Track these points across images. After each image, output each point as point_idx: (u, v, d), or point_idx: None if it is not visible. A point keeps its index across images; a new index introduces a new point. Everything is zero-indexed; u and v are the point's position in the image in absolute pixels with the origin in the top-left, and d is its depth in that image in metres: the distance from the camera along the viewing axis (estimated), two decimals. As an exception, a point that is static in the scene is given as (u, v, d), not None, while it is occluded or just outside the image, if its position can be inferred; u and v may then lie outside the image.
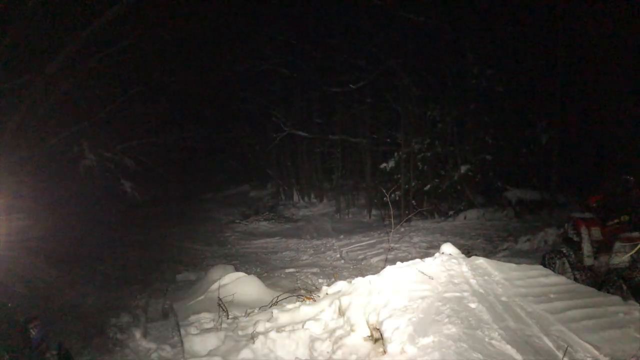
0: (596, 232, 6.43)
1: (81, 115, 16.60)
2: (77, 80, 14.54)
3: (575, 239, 6.67)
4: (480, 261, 5.25)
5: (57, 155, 16.29)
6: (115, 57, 15.15)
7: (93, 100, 16.77)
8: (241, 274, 8.26)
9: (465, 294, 4.43)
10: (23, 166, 13.74)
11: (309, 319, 5.00)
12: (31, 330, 3.49)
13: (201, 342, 4.78)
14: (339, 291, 5.48)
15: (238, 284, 7.47)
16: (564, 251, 6.79)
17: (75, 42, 12.12)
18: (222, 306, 6.40)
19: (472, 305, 4.22)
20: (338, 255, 13.63)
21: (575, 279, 6.21)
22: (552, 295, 4.56)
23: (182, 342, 5.38)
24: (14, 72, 12.23)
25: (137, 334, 6.22)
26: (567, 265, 6.62)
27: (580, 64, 15.03)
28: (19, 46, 11.77)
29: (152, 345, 6.04)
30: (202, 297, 7.63)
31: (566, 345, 3.72)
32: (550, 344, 3.78)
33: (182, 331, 5.77)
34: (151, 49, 16.65)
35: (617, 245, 6.01)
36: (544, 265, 6.48)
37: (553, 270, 6.09)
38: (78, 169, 17.47)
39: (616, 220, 6.25)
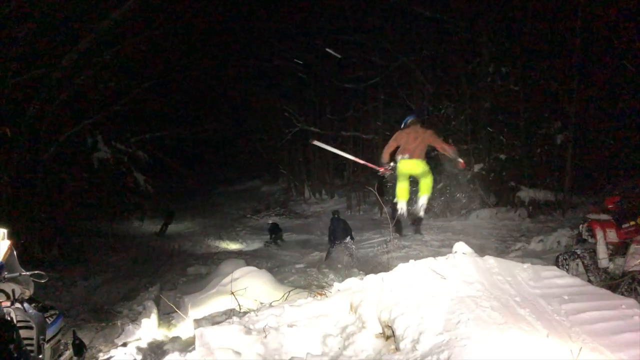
0: (612, 234, 6.35)
1: (96, 108, 16.78)
2: (92, 73, 14.69)
3: (590, 240, 6.60)
4: (493, 261, 5.20)
5: (72, 147, 16.49)
6: (130, 51, 15.28)
7: (108, 93, 16.94)
8: (253, 268, 8.28)
9: (478, 293, 4.39)
10: (40, 157, 13.92)
11: (320, 315, 4.99)
12: (47, 320, 3.54)
13: (213, 336, 4.79)
14: (351, 288, 5.46)
15: (250, 278, 7.49)
16: (579, 253, 6.71)
17: (92, 36, 12.22)
18: (234, 300, 6.42)
19: (485, 305, 4.18)
20: (349, 252, 13.62)
21: (590, 281, 6.14)
22: (566, 297, 4.50)
23: (194, 335, 5.41)
24: (31, 65, 12.36)
25: (149, 326, 6.27)
26: (581, 267, 6.54)
27: (597, 64, 14.83)
28: (36, 39, 11.90)
29: (165, 338, 6.09)
30: (213, 290, 7.67)
31: (580, 348, 3.68)
32: (563, 346, 3.74)
33: (194, 324, 5.80)
34: (166, 43, 16.78)
35: (633, 247, 5.94)
36: (558, 267, 6.42)
37: (567, 272, 6.02)
38: (92, 160, 17.68)
39: (632, 223, 6.17)
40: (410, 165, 7.06)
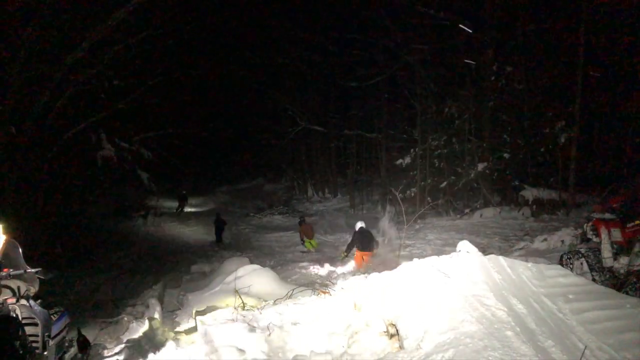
0: (616, 233, 6.32)
1: (100, 106, 16.81)
2: (96, 71, 14.71)
3: (595, 239, 6.57)
4: (498, 260, 5.18)
5: (76, 145, 16.53)
6: (134, 49, 15.30)
7: (112, 91, 16.97)
8: (256, 266, 8.27)
9: (483, 292, 4.39)
10: (44, 155, 13.96)
11: (324, 313, 5.00)
12: (52, 317, 3.55)
13: (218, 333, 4.80)
14: (355, 286, 5.46)
15: (253, 276, 7.48)
16: (583, 252, 6.69)
17: (95, 34, 12.23)
18: (238, 298, 6.42)
19: (490, 304, 4.17)
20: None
21: (594, 280, 6.12)
22: (570, 296, 4.49)
23: (197, 332, 5.42)
24: (36, 62, 12.38)
25: (153, 324, 6.28)
26: (585, 266, 6.52)
27: (602, 63, 14.76)
28: (40, 36, 11.91)
29: (168, 335, 6.10)
30: (217, 288, 7.67)
31: (584, 347, 3.67)
32: (568, 345, 3.73)
33: (198, 322, 5.81)
34: (170, 42, 16.80)
35: (638, 246, 5.92)
36: (562, 266, 6.40)
37: (571, 271, 6.00)
38: (96, 158, 17.72)
39: (637, 222, 6.14)
40: None
